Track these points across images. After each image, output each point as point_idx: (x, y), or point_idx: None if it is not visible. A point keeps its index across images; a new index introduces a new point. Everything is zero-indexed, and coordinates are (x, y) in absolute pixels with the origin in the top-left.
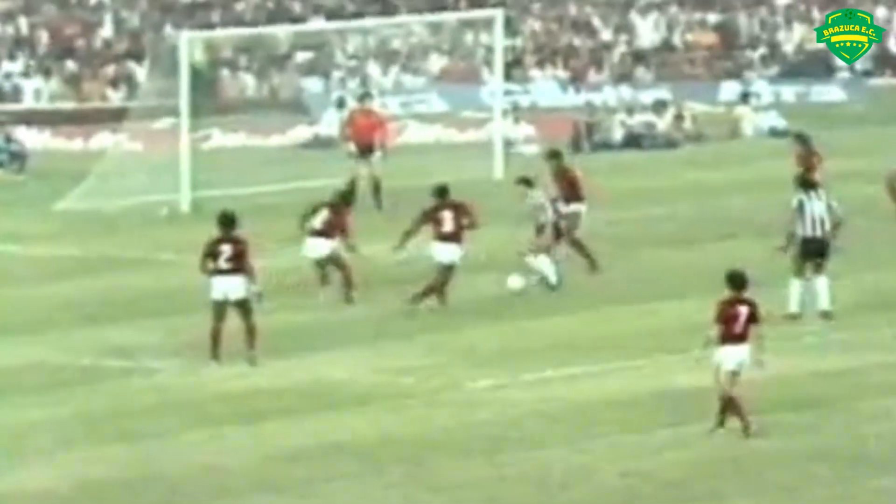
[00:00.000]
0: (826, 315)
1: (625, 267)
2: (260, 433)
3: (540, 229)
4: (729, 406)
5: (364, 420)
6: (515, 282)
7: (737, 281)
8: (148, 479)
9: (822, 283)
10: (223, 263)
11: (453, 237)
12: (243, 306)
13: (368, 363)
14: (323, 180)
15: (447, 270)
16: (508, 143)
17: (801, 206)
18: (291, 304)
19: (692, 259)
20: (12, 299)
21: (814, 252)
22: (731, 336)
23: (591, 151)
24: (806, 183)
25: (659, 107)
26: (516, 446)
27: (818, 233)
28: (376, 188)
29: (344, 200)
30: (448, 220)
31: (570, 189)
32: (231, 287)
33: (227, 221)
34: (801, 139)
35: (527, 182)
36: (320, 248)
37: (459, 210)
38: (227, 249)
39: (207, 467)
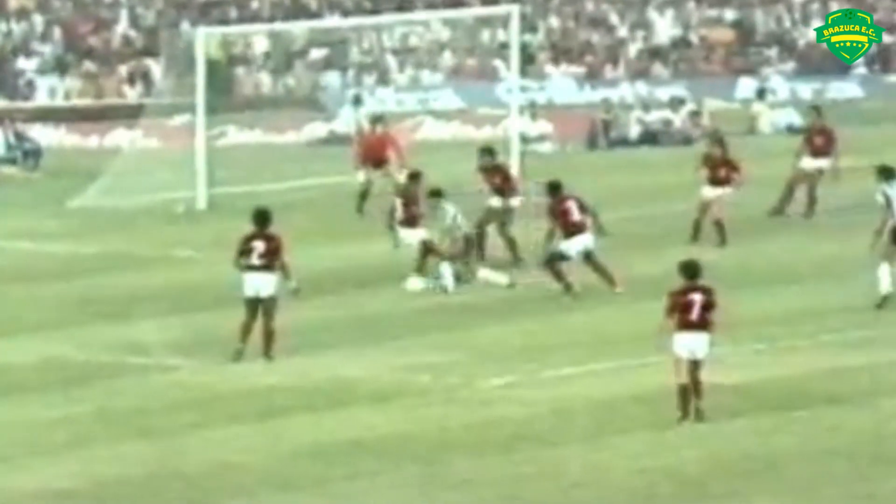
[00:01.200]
0: None
1: (643, 264)
2: (278, 430)
3: (455, 241)
4: (687, 394)
5: (381, 418)
6: (415, 284)
7: (689, 270)
8: (166, 477)
9: None
10: (256, 260)
11: (583, 227)
12: (270, 305)
13: (385, 361)
14: (339, 177)
15: (589, 258)
16: (525, 141)
17: (886, 198)
18: (308, 302)
19: (711, 256)
20: (28, 296)
21: None
22: (686, 324)
23: (607, 148)
24: (887, 174)
25: (675, 103)
26: (533, 444)
27: None
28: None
29: (410, 184)
30: (576, 211)
31: (504, 183)
32: (262, 284)
33: (262, 218)
34: (720, 141)
35: (438, 194)
36: (411, 237)
37: (581, 201)
38: (260, 246)
39: (226, 464)
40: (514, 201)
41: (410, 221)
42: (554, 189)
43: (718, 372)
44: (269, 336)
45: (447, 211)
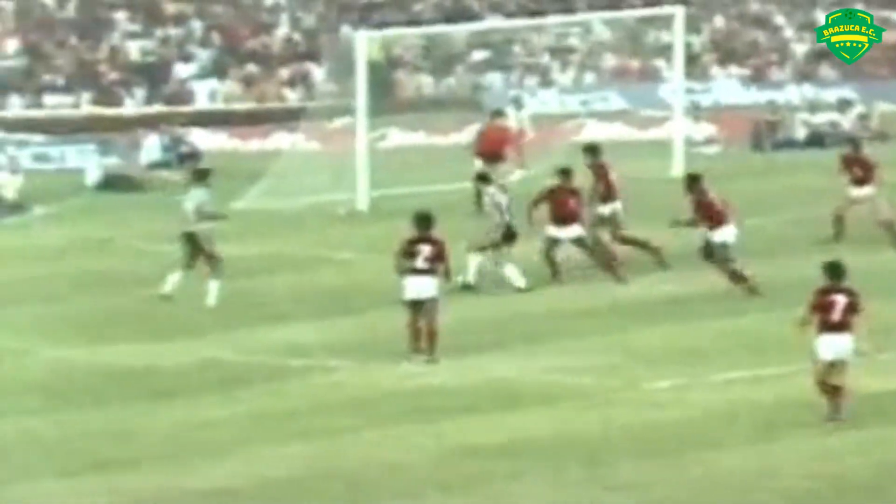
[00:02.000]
0: None
1: (810, 267)
2: (439, 431)
3: (494, 228)
4: (829, 393)
5: (542, 419)
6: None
7: (833, 270)
8: (327, 477)
9: None
10: (420, 263)
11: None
12: (431, 307)
13: (544, 362)
14: (499, 179)
15: (725, 249)
16: (690, 143)
17: None
18: (467, 303)
19: (879, 259)
20: (191, 299)
21: None
22: (827, 325)
23: (772, 150)
24: None
25: (843, 105)
26: (697, 447)
27: None
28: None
29: (562, 180)
30: (720, 202)
31: (608, 188)
32: (424, 287)
33: (425, 221)
34: (853, 141)
35: (483, 178)
36: (563, 234)
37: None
38: (425, 249)
39: (387, 465)
40: (608, 208)
41: (561, 219)
42: (693, 181)
43: (881, 377)
44: (431, 337)
45: (490, 195)
